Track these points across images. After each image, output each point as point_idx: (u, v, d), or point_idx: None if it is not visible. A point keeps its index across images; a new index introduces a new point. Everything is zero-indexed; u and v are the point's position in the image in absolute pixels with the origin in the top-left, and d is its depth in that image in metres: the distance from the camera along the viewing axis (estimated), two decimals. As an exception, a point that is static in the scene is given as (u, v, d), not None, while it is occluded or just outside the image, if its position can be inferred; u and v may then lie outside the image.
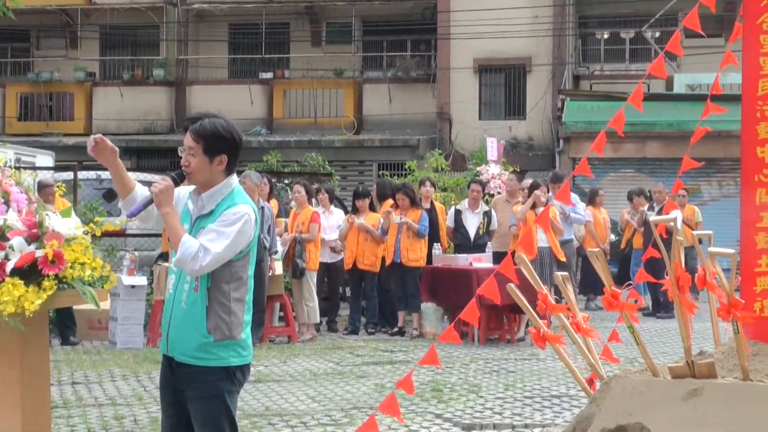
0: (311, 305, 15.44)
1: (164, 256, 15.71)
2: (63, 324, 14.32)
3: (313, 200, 16.64)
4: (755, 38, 5.73)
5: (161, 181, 5.06)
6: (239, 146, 5.23)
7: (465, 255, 15.54)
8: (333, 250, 16.35)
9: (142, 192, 5.32)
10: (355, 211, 16.33)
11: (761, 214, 5.67)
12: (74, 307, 13.39)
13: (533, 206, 15.41)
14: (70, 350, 13.96)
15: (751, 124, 5.72)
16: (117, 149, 5.27)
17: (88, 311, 14.37)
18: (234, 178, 5.24)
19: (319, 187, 17.50)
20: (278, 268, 14.93)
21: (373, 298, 16.38)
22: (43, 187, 14.11)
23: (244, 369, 5.22)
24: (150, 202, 5.09)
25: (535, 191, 15.41)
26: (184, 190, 5.25)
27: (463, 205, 16.61)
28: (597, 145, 6.36)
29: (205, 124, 5.12)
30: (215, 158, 5.12)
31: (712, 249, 5.42)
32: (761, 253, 5.65)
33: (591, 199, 20.12)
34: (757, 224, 5.68)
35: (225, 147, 5.15)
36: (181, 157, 5.16)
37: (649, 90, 27.27)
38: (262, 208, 14.16)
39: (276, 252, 14.79)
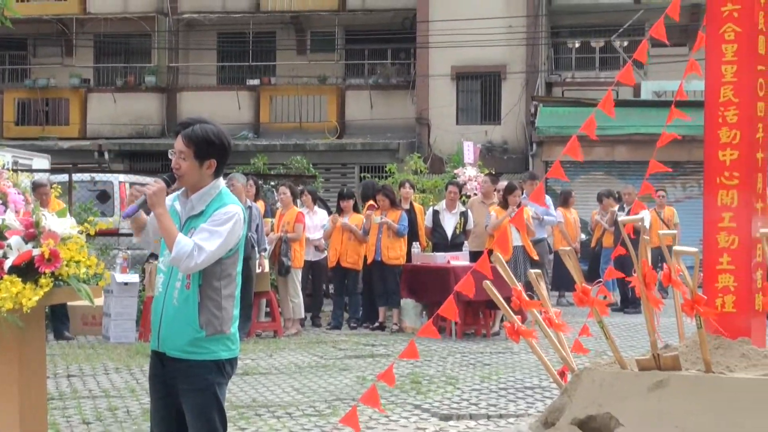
0: (296, 301, 15.45)
1: (156, 255, 15.68)
2: (57, 320, 14.27)
3: (298, 201, 16.63)
4: (717, 47, 5.75)
5: (154, 183, 5.05)
6: (228, 151, 5.23)
7: (443, 253, 15.54)
8: (317, 248, 16.35)
9: (152, 222, 5.32)
10: (340, 211, 16.34)
11: (722, 214, 5.70)
12: (69, 304, 13.35)
13: (507, 206, 15.42)
14: (65, 344, 13.92)
15: (713, 129, 5.74)
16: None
17: (83, 307, 14.34)
18: (221, 181, 5.25)
19: (302, 188, 17.48)
20: (266, 264, 14.93)
21: (355, 295, 16.41)
22: (37, 187, 14.06)
23: (232, 362, 5.24)
24: (144, 203, 5.09)
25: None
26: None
27: (441, 205, 16.62)
28: (573, 150, 6.37)
29: (197, 129, 5.12)
30: (205, 162, 5.13)
31: (676, 248, 5.45)
32: (722, 252, 5.67)
33: (564, 200, 20.19)
34: (719, 224, 5.70)
35: (214, 152, 5.16)
36: (171, 160, 5.17)
37: (617, 96, 27.34)
38: (250, 207, 14.17)
39: (265, 249, 14.78)
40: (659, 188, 21.82)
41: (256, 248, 14.30)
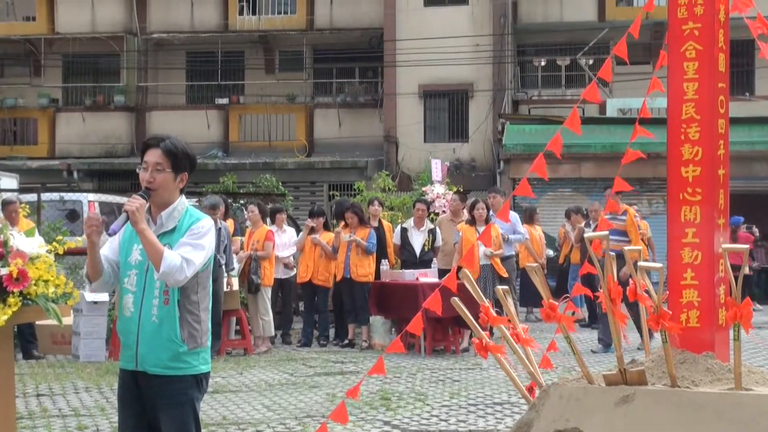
0: (266, 319, 15.43)
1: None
2: (24, 339, 14.19)
3: (267, 219, 16.60)
4: (679, 65, 5.80)
5: (134, 199, 5.04)
6: (195, 167, 5.28)
7: (411, 270, 15.58)
8: (286, 266, 16.35)
9: (111, 274, 5.27)
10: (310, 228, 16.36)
11: (686, 230, 5.73)
12: (39, 323, 13.25)
13: (474, 223, 15.46)
14: (34, 363, 13.84)
15: (676, 146, 5.78)
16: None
17: (52, 326, 14.24)
18: (184, 197, 5.27)
19: (279, 207, 17.42)
20: (234, 284, 14.90)
21: (325, 312, 16.41)
22: (6, 205, 13.99)
23: (207, 376, 5.32)
24: (126, 220, 5.06)
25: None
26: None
27: (409, 223, 16.65)
28: (539, 168, 6.40)
29: (174, 141, 5.17)
30: (179, 175, 5.17)
31: (641, 263, 5.48)
32: (686, 267, 5.70)
33: (529, 217, 20.27)
34: (683, 240, 5.73)
35: (188, 164, 5.23)
36: (140, 178, 5.16)
37: (584, 114, 27.49)
38: (220, 228, 14.15)
39: (233, 269, 14.75)
40: (632, 204, 21.98)
41: (224, 268, 14.26)
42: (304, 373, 12.92)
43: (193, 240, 5.08)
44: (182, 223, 5.16)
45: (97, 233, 5.11)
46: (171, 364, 5.10)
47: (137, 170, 5.19)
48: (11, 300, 5.24)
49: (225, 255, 14.25)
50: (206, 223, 5.19)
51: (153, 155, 5.14)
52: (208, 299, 5.26)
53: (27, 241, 5.51)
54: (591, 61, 31.02)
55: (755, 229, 24.44)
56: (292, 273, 16.49)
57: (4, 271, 5.31)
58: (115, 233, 5.14)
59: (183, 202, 5.24)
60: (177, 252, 5.02)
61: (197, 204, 15.22)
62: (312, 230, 16.16)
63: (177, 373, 5.11)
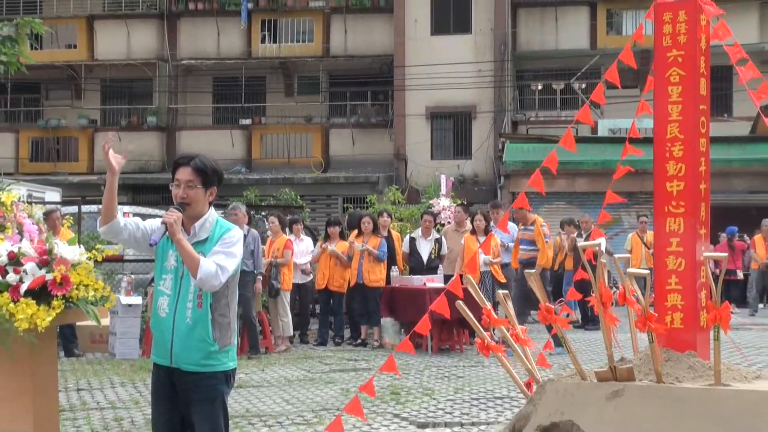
0: (285, 320, 15.43)
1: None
2: (66, 338, 14.23)
3: (287, 230, 16.63)
4: (664, 89, 5.81)
5: (171, 212, 5.04)
6: (222, 181, 5.31)
7: (419, 276, 15.56)
8: (303, 272, 16.36)
9: (125, 222, 5.23)
10: (327, 237, 16.38)
11: (671, 239, 5.73)
12: (79, 324, 13.30)
13: (474, 232, 15.50)
14: (75, 361, 13.87)
15: (661, 163, 5.79)
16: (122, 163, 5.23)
17: (91, 327, 14.30)
18: (213, 209, 5.29)
19: (297, 219, 17.45)
20: (259, 288, 14.91)
21: (340, 314, 16.41)
22: (48, 214, 14.04)
23: (235, 372, 5.33)
24: (165, 231, 5.07)
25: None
26: (158, 224, 5.20)
27: (417, 233, 16.64)
28: (536, 182, 6.42)
29: (203, 159, 5.19)
30: (209, 189, 5.19)
31: (630, 270, 5.49)
32: (671, 273, 5.70)
33: (526, 228, 20.25)
34: (668, 248, 5.74)
35: (217, 180, 5.25)
36: (173, 193, 5.17)
37: (577, 133, 27.47)
38: (248, 233, 14.13)
39: (261, 273, 14.72)
40: (641, 214, 22.01)
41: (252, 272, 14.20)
42: (321, 370, 12.92)
43: (225, 248, 5.10)
44: (214, 233, 5.18)
45: (115, 163, 5.18)
46: (203, 362, 5.11)
47: (170, 187, 5.20)
48: (55, 303, 5.28)
49: (252, 258, 14.23)
50: (236, 233, 5.21)
51: (184, 173, 5.15)
52: (236, 302, 5.29)
53: (69, 249, 5.56)
54: (584, 85, 31.05)
55: (747, 238, 24.42)
56: (309, 278, 16.51)
57: (49, 276, 5.35)
58: (156, 243, 5.13)
59: (213, 214, 5.26)
60: (211, 260, 5.03)
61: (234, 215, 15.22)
62: (328, 238, 16.17)
63: (209, 370, 5.13)
